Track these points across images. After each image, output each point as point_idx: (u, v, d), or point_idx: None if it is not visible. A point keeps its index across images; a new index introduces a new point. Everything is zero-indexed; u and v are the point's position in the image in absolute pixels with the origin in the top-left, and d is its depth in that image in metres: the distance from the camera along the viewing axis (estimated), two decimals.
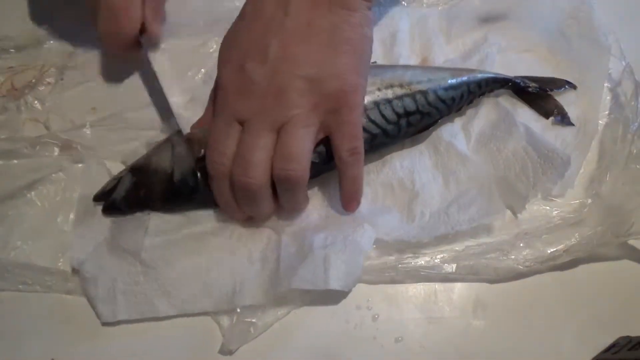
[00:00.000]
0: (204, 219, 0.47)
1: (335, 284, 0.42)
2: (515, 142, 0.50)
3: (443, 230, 0.46)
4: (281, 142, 0.42)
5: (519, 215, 0.48)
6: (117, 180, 0.47)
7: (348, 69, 0.43)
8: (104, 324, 0.44)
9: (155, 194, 0.46)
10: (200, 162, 0.45)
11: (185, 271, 0.44)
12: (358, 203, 0.46)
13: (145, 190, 0.46)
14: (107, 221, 0.47)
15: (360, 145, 0.44)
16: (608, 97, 0.54)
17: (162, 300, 0.44)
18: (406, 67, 0.52)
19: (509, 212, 0.49)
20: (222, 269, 0.45)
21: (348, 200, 0.46)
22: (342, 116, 0.43)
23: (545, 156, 0.48)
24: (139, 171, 0.47)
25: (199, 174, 0.45)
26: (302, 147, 0.42)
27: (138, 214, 0.47)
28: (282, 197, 0.44)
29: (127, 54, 0.51)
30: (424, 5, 0.59)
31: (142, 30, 0.49)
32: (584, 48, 0.55)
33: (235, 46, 0.44)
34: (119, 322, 0.44)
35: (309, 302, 0.45)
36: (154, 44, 0.51)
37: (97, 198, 0.47)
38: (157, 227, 0.46)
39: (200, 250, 0.45)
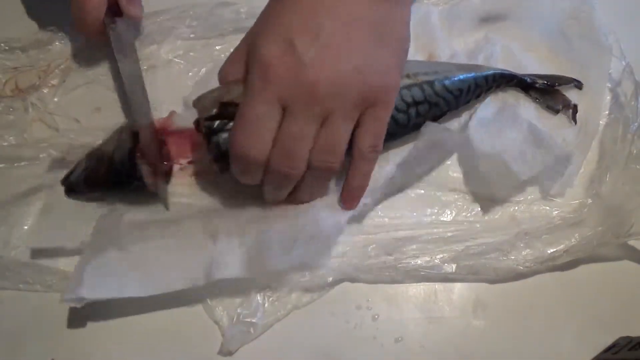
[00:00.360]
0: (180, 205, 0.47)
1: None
2: (517, 132, 0.49)
3: (398, 182, 0.47)
4: (325, 134, 0.40)
5: (518, 215, 0.49)
6: (76, 164, 0.47)
7: (392, 65, 0.42)
8: (102, 323, 0.44)
9: (101, 175, 0.46)
10: (209, 121, 0.43)
11: (158, 251, 0.44)
12: (358, 202, 0.45)
13: (94, 172, 0.46)
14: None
15: (381, 145, 0.43)
16: (608, 97, 0.53)
17: (132, 279, 0.42)
18: (412, 60, 0.52)
19: (508, 212, 0.49)
20: (197, 246, 0.44)
21: (350, 197, 0.45)
22: (376, 112, 0.42)
23: (546, 147, 0.48)
24: (91, 155, 0.47)
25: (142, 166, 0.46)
26: (344, 140, 0.41)
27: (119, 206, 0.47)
28: (308, 186, 0.44)
29: (99, 39, 0.51)
30: (424, 4, 0.59)
31: (119, 13, 0.50)
32: (585, 48, 0.55)
33: (280, 23, 0.40)
34: (117, 322, 0.44)
35: (308, 302, 0.45)
36: (130, 27, 0.51)
37: (62, 181, 0.47)
38: (133, 215, 0.46)
39: (175, 231, 0.45)
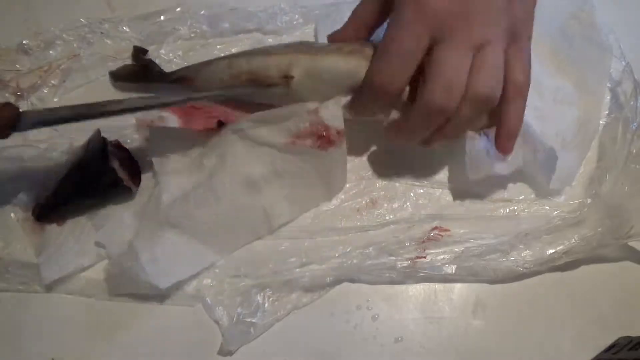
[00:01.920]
0: (211, 164, 0.47)
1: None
2: None
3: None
4: (486, 61, 0.39)
5: (518, 214, 0.49)
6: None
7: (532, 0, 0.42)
8: (102, 323, 0.44)
9: (70, 184, 0.46)
10: None
11: (211, 218, 0.45)
12: (513, 143, 0.44)
13: (63, 184, 0.47)
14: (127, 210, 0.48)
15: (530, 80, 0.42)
16: (608, 97, 0.54)
17: (204, 250, 0.45)
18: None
19: (508, 212, 0.49)
20: (245, 201, 0.45)
21: (508, 138, 0.43)
22: (521, 45, 0.41)
23: (530, 147, 0.48)
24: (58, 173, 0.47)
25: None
26: (502, 68, 0.40)
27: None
28: (463, 120, 0.41)
29: None
30: None
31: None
32: (585, 48, 0.55)
33: None
34: (117, 322, 0.44)
35: (308, 302, 0.45)
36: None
37: (32, 211, 0.47)
38: (169, 189, 0.47)
39: (217, 194, 0.45)
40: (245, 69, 0.47)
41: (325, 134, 0.45)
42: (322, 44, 0.48)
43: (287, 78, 0.45)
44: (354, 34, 0.46)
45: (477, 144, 0.46)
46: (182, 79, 0.51)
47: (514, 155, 0.47)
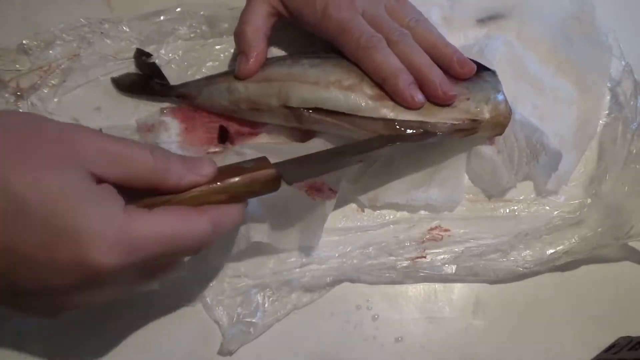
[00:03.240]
0: None
1: None
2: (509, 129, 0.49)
3: (398, 201, 0.48)
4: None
5: (518, 214, 0.49)
6: None
7: None
8: (102, 323, 0.44)
9: None
10: None
11: None
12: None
13: None
14: None
15: None
16: (608, 97, 0.54)
17: None
18: None
19: (508, 211, 0.49)
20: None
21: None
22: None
23: (533, 147, 0.48)
24: None
25: None
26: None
27: None
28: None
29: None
30: (426, 1, 0.59)
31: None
32: (585, 48, 0.55)
33: None
34: (117, 322, 0.44)
35: (308, 302, 0.45)
36: None
37: None
38: None
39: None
40: (244, 96, 0.48)
41: (319, 186, 0.47)
42: (317, 61, 0.48)
43: (286, 108, 0.46)
44: (262, 47, 0.48)
45: (483, 152, 0.48)
46: (184, 95, 0.51)
47: (519, 165, 0.48)
